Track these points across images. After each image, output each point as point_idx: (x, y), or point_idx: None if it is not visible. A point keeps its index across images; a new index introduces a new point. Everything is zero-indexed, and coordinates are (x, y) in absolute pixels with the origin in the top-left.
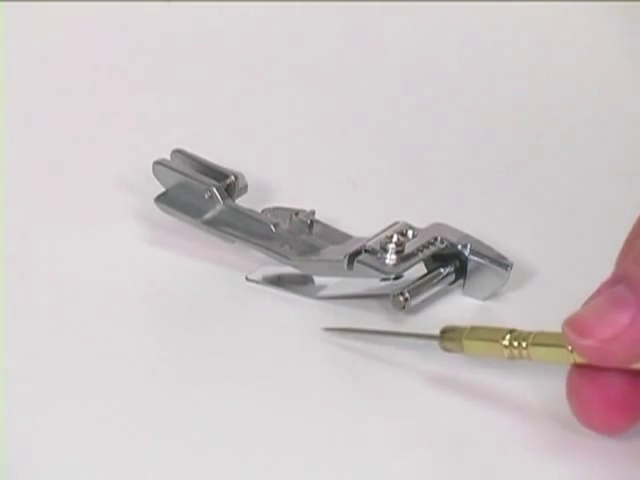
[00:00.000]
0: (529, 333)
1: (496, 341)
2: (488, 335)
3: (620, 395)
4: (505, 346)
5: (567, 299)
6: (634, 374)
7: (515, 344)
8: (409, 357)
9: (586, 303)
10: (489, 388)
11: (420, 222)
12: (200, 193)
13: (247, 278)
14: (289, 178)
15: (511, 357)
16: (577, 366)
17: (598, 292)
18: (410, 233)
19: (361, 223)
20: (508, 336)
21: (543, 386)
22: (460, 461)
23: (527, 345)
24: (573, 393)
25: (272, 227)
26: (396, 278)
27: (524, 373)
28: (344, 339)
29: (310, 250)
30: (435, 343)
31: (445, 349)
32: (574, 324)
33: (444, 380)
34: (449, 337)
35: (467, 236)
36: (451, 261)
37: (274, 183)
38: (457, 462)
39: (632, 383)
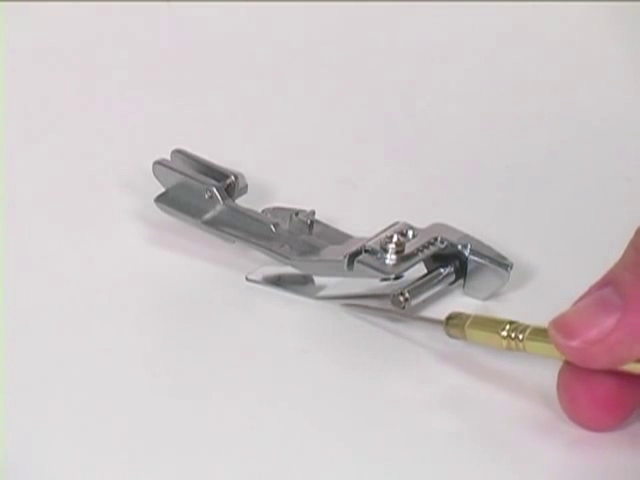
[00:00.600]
0: (527, 326)
1: (496, 332)
2: (489, 325)
3: (608, 394)
4: (504, 337)
5: (567, 299)
6: (623, 375)
7: (512, 335)
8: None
9: (574, 304)
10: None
11: (420, 222)
12: (200, 193)
13: (247, 278)
14: (289, 178)
15: (509, 348)
16: (568, 363)
17: (586, 294)
18: (410, 233)
19: (361, 223)
20: (507, 327)
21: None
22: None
23: (523, 339)
24: (563, 389)
25: (272, 227)
26: (396, 278)
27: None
28: (344, 339)
29: (310, 250)
30: (441, 329)
31: (449, 335)
32: (560, 325)
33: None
34: (453, 324)
35: (467, 236)
36: (451, 261)
37: (274, 183)
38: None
39: (620, 383)
